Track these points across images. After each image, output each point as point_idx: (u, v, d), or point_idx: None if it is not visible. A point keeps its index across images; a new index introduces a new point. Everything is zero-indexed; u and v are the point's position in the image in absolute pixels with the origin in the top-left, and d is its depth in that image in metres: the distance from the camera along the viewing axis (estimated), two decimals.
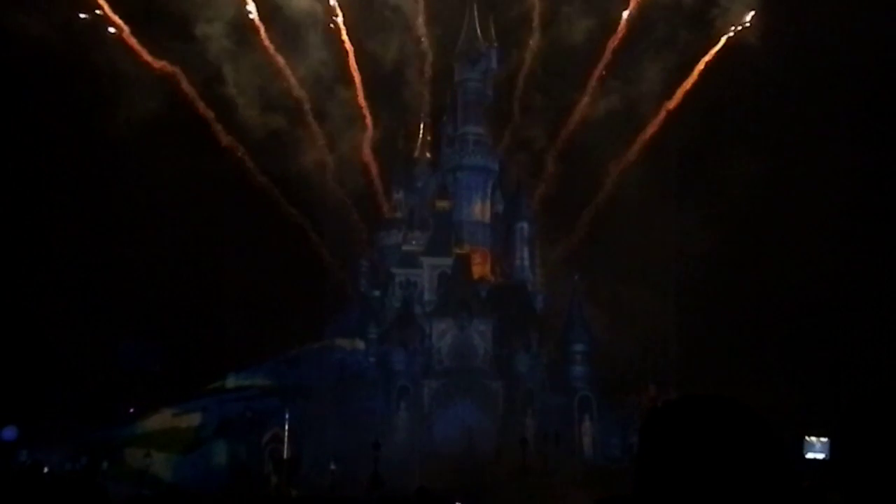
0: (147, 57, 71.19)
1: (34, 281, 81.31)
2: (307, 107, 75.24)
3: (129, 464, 57.03)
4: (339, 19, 70.14)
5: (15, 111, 75.41)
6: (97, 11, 68.18)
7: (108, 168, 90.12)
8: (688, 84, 73.72)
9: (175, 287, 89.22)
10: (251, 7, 68.39)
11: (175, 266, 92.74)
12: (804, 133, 76.31)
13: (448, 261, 66.28)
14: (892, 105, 72.21)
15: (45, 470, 54.38)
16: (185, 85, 73.87)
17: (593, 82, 73.87)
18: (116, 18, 68.94)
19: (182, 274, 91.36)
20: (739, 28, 70.14)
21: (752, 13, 68.51)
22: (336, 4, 69.82)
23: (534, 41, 72.70)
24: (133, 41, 70.44)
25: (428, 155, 78.84)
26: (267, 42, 71.72)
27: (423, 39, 73.74)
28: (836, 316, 70.17)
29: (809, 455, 52.75)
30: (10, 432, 52.50)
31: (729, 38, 71.99)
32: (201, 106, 77.33)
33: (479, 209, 71.52)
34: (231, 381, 67.45)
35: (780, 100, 76.56)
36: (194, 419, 59.89)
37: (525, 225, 73.70)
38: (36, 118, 79.02)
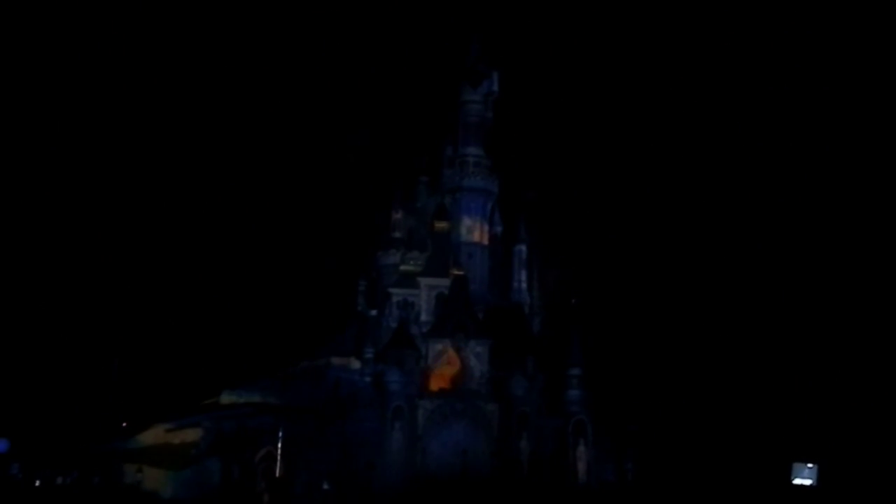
0: None
1: (27, 295, 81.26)
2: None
3: (120, 479, 56.69)
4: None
5: None
6: None
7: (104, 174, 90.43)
8: None
9: (172, 302, 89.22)
10: None
11: (172, 281, 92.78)
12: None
13: (446, 281, 66.24)
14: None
15: (37, 483, 54.38)
16: None
17: None
18: None
19: (179, 289, 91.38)
20: None
21: None
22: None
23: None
24: None
25: (428, 176, 79.10)
26: None
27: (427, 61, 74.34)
28: (823, 345, 70.34)
29: (797, 481, 52.76)
30: (1, 444, 52.34)
31: None
32: None
33: (478, 231, 71.55)
34: (226, 398, 67.23)
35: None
36: (188, 435, 59.52)
37: (523, 248, 73.85)
38: None
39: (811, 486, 52.28)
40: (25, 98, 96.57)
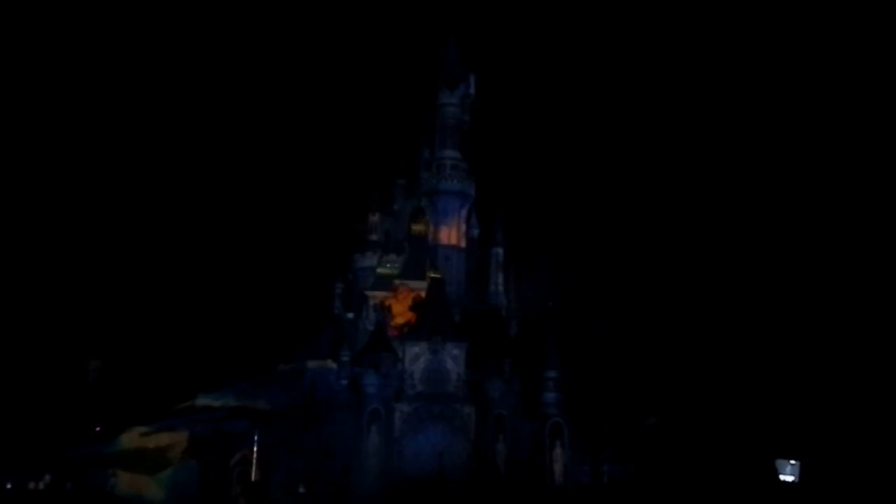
0: None
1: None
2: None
3: (94, 483, 56.07)
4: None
5: None
6: None
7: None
8: None
9: (146, 304, 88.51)
10: None
11: (147, 283, 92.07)
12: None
13: (423, 284, 66.23)
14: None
15: (8, 487, 53.72)
16: None
17: None
18: None
19: (154, 291, 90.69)
20: None
21: None
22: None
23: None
24: None
25: (405, 179, 79.09)
26: None
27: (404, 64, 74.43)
28: (804, 341, 71.04)
29: (779, 477, 53.30)
30: None
31: None
32: None
33: (455, 234, 71.57)
34: (201, 401, 66.74)
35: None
36: (162, 439, 59.03)
37: (500, 250, 74.03)
38: None
39: (793, 482, 52.85)
40: (22, 97, 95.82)
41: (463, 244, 72.10)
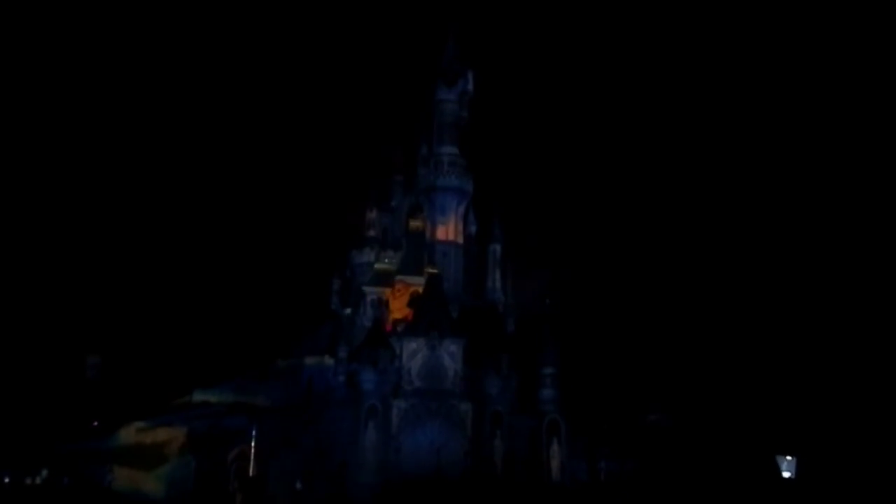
0: None
1: None
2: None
3: (91, 479, 56.12)
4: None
5: None
6: None
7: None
8: None
9: (144, 300, 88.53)
10: None
11: (145, 279, 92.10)
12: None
13: (420, 280, 66.23)
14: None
15: (5, 481, 53.75)
16: None
17: None
18: None
19: (152, 287, 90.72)
20: None
21: None
22: None
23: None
24: None
25: (403, 175, 79.00)
26: None
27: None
28: (797, 338, 71.23)
29: None
30: None
31: None
32: None
33: (453, 230, 71.53)
34: (198, 397, 66.78)
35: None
36: (160, 435, 59.08)
37: (498, 247, 73.97)
38: None
39: (790, 478, 53.07)
40: (22, 97, 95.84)
41: (460, 240, 72.09)
